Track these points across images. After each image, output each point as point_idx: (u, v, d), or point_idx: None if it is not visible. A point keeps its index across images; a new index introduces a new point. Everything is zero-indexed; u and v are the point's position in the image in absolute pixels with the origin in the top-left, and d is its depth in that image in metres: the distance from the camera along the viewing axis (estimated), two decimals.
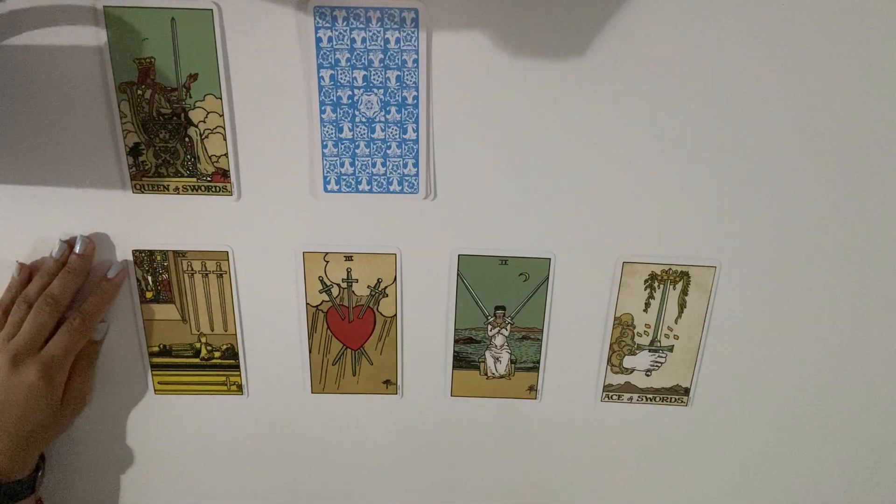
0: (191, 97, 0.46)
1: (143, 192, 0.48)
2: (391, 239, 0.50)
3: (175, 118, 0.46)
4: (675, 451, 0.57)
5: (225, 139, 0.47)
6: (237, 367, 0.54)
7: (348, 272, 0.51)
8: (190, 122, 0.47)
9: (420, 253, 0.51)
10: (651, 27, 0.44)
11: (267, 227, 0.50)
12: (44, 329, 0.47)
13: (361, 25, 0.44)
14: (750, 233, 0.49)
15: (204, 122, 0.47)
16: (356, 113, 0.46)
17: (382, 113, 0.46)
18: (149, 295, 0.52)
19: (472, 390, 0.55)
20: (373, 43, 0.45)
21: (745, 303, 0.52)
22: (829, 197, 0.48)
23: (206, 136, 0.47)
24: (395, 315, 0.53)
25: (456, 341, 0.53)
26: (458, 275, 0.51)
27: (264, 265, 0.51)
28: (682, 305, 0.52)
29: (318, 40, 0.44)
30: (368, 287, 0.52)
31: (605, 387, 0.55)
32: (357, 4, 0.43)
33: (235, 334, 0.53)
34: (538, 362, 0.54)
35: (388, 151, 0.47)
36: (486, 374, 0.55)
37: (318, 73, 0.45)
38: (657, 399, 0.55)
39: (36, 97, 0.46)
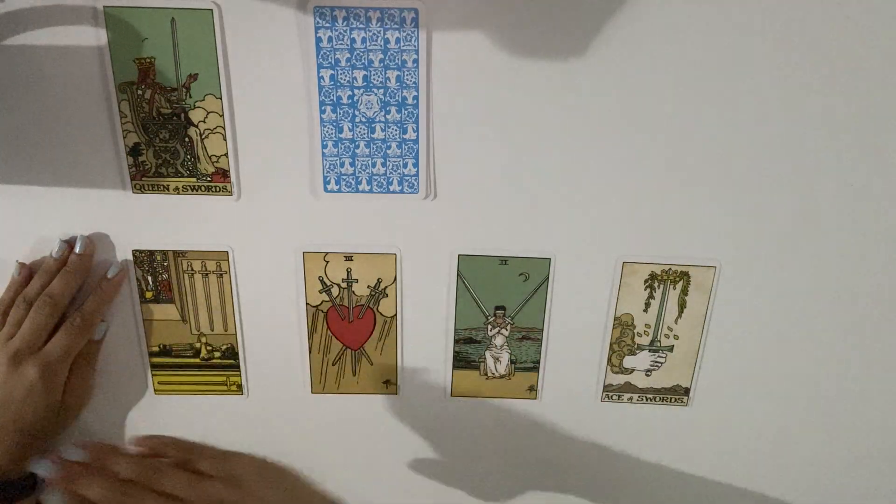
0: (191, 97, 0.46)
1: (143, 192, 0.48)
2: (391, 239, 0.50)
3: (175, 118, 0.46)
4: (675, 451, 0.57)
5: (225, 139, 0.47)
6: (237, 367, 0.54)
7: (348, 272, 0.51)
8: (190, 122, 0.47)
9: (420, 253, 0.51)
10: (651, 28, 0.44)
11: (267, 227, 0.50)
12: (43, 328, 0.47)
13: (361, 25, 0.44)
14: (750, 233, 0.49)
15: (204, 122, 0.47)
16: (356, 113, 0.46)
17: (382, 113, 0.46)
18: (149, 295, 0.52)
19: (472, 390, 0.55)
20: (373, 43, 0.45)
21: (745, 303, 0.52)
22: (829, 197, 0.48)
23: (206, 136, 0.47)
24: (395, 315, 0.53)
25: (456, 341, 0.53)
26: (458, 275, 0.51)
27: (264, 265, 0.51)
28: (682, 305, 0.52)
29: (318, 40, 0.44)
30: (368, 287, 0.52)
31: (605, 387, 0.55)
32: (357, 4, 0.43)
33: (235, 334, 0.53)
34: (538, 362, 0.54)
35: (388, 151, 0.47)
36: (486, 374, 0.55)
37: (318, 73, 0.45)
38: (657, 399, 0.55)
39: (36, 97, 0.46)
